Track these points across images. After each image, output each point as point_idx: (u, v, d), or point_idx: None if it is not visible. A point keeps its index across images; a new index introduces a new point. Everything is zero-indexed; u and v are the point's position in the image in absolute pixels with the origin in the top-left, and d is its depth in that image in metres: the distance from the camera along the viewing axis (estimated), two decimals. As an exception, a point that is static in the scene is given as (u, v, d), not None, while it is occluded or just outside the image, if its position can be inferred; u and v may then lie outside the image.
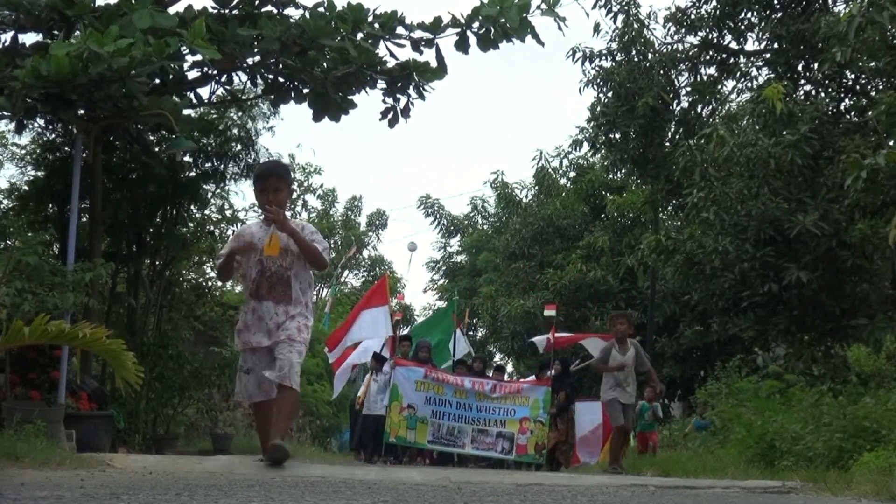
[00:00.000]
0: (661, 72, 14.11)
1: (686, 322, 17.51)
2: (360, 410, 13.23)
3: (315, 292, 32.55)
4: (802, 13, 12.82)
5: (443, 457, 12.31)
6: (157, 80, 8.12)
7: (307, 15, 7.72)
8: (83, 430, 7.96)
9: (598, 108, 14.45)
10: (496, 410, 11.66)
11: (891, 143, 10.12)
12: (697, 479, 6.59)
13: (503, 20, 7.65)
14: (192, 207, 11.42)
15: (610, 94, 14.25)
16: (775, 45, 13.09)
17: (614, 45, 14.31)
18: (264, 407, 5.27)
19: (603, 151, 16.22)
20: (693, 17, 14.08)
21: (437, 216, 31.85)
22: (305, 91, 8.33)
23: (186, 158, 10.97)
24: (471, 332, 26.43)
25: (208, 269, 13.64)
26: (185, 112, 8.49)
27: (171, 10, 7.89)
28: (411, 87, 8.20)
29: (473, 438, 11.61)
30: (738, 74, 14.25)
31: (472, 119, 67.70)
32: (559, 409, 12.73)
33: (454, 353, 14.58)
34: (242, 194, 29.70)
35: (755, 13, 13.63)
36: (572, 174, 24.49)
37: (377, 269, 37.15)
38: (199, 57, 7.37)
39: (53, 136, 10.53)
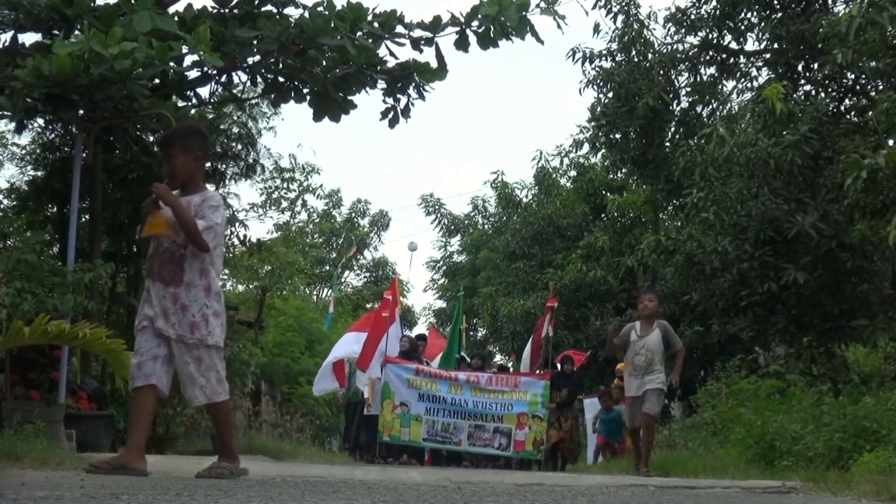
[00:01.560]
0: (661, 72, 14.11)
1: (686, 322, 17.49)
2: (360, 411, 13.16)
3: (316, 293, 32.62)
4: (802, 13, 12.82)
5: (447, 457, 12.15)
6: (157, 81, 8.13)
7: (306, 14, 7.72)
8: (83, 430, 7.96)
9: (599, 109, 14.45)
10: (493, 405, 11.35)
11: (891, 143, 10.12)
12: (697, 479, 6.60)
13: (502, 19, 7.65)
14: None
15: (610, 95, 14.25)
16: (775, 46, 13.09)
17: (614, 46, 14.32)
18: (139, 394, 4.65)
19: (603, 152, 16.22)
20: (693, 17, 14.07)
21: (438, 215, 31.89)
22: (305, 91, 8.33)
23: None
24: (471, 333, 26.44)
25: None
26: (186, 112, 8.49)
27: (171, 9, 7.89)
28: (412, 88, 8.18)
29: (470, 434, 11.30)
30: (738, 74, 14.26)
31: (473, 118, 67.76)
32: (561, 406, 12.67)
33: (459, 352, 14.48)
34: (238, 197, 29.61)
35: (755, 13, 13.62)
36: (573, 173, 24.48)
37: (380, 269, 37.17)
38: (199, 57, 7.36)
39: (53, 136, 10.53)
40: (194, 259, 4.67)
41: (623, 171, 16.60)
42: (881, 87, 11.47)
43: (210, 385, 4.65)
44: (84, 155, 8.87)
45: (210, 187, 11.47)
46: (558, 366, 13.83)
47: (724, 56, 14.24)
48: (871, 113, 10.56)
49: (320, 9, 7.67)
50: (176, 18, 7.50)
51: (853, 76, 12.26)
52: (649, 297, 8.86)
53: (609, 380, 15.49)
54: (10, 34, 7.70)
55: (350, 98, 8.17)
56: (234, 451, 4.83)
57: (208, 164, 11.42)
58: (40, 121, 9.78)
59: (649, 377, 8.39)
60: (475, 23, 7.81)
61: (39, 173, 10.78)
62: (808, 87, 13.13)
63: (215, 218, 4.69)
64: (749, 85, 14.20)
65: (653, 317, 8.65)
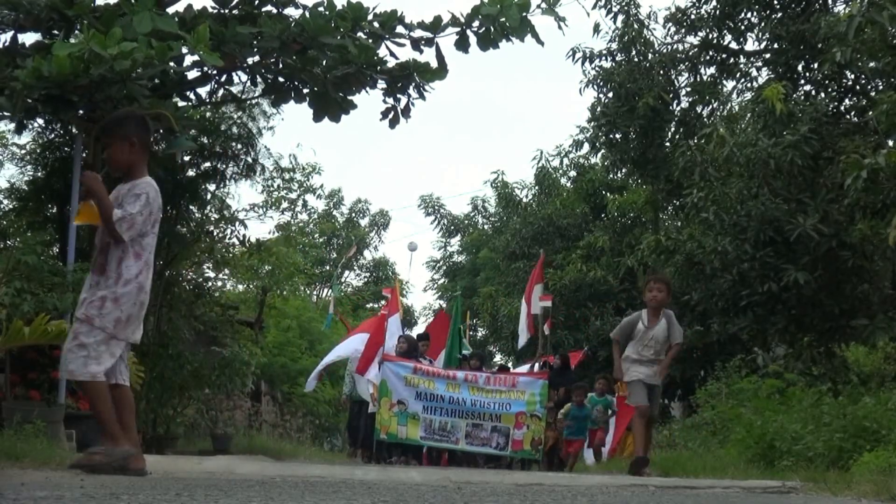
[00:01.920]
0: (661, 72, 14.12)
1: (686, 322, 17.47)
2: (365, 410, 13.03)
3: (316, 293, 32.62)
4: (802, 13, 12.83)
5: (443, 457, 12.09)
6: (157, 81, 8.12)
7: (307, 14, 7.72)
8: (83, 430, 7.95)
9: (599, 109, 14.46)
10: (491, 404, 11.23)
11: (891, 143, 10.13)
12: (697, 479, 6.59)
13: (503, 19, 7.65)
14: (191, 207, 11.42)
15: (610, 95, 14.26)
16: (775, 46, 13.10)
17: (614, 46, 14.32)
18: (114, 392, 4.74)
19: (603, 152, 16.23)
20: (693, 17, 14.08)
21: (438, 216, 31.87)
22: (305, 91, 8.33)
23: (186, 158, 10.98)
24: (471, 332, 26.42)
25: (208, 269, 13.65)
26: (186, 113, 8.48)
27: (171, 9, 7.89)
28: (412, 88, 8.18)
29: (468, 433, 11.16)
30: (738, 74, 14.27)
31: (473, 118, 67.77)
32: (559, 406, 12.62)
33: (461, 351, 14.38)
34: (238, 196, 29.59)
35: (755, 13, 13.64)
36: (573, 174, 24.49)
37: (380, 270, 37.20)
38: (199, 57, 7.36)
39: (53, 136, 10.53)
40: (116, 248, 4.66)
41: (623, 171, 16.60)
42: (881, 87, 11.47)
43: (76, 363, 4.56)
44: (84, 155, 8.87)
45: (210, 187, 11.55)
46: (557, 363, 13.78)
47: (724, 56, 14.25)
48: (871, 113, 10.57)
49: (321, 9, 7.67)
50: (176, 19, 7.50)
51: (853, 76, 12.27)
52: (658, 287, 8.01)
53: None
54: (10, 34, 7.71)
55: (350, 98, 8.17)
56: (113, 433, 4.62)
57: (207, 164, 11.44)
58: (40, 121, 9.79)
59: (655, 370, 7.90)
60: (475, 23, 7.81)
61: (39, 173, 10.78)
62: (807, 87, 13.14)
63: (132, 208, 4.64)
64: (749, 85, 14.22)
65: (661, 308, 7.96)
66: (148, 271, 4.77)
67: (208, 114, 11.12)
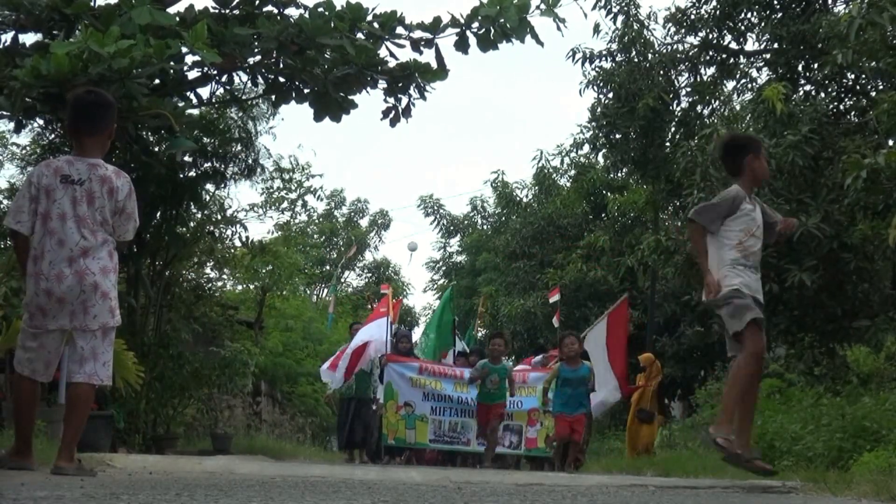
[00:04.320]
0: (662, 72, 14.12)
1: (686, 322, 17.50)
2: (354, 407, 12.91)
3: (316, 293, 32.65)
4: (802, 13, 12.83)
5: (449, 456, 11.87)
6: (157, 80, 8.12)
7: (305, 15, 7.73)
8: (83, 430, 7.94)
9: (599, 109, 14.46)
10: None
11: (891, 143, 10.12)
12: (697, 479, 6.60)
13: (502, 20, 7.66)
14: (192, 207, 11.42)
15: (610, 95, 14.26)
16: (775, 46, 13.11)
17: (614, 46, 14.33)
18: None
19: (604, 152, 16.25)
20: (693, 17, 14.08)
21: (437, 216, 31.87)
22: (306, 91, 8.33)
23: (186, 158, 10.97)
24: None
25: (208, 270, 13.65)
26: (185, 112, 8.48)
27: (172, 9, 7.89)
28: (412, 88, 8.19)
29: (478, 433, 10.69)
30: (738, 75, 14.26)
31: (473, 119, 67.75)
32: None
33: (455, 344, 13.92)
34: (237, 197, 29.56)
35: (755, 13, 13.64)
36: (572, 173, 24.51)
37: (380, 270, 37.22)
38: (199, 57, 7.37)
39: (53, 136, 10.53)
40: None
41: (624, 171, 16.61)
42: (881, 87, 11.47)
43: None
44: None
45: (210, 187, 11.50)
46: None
47: (724, 56, 14.24)
48: (871, 113, 10.57)
49: (320, 9, 7.68)
50: (177, 19, 7.52)
51: (853, 76, 12.26)
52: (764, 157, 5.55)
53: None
54: (10, 34, 7.71)
55: (350, 98, 8.17)
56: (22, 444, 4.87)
57: (208, 164, 11.44)
58: (40, 121, 9.79)
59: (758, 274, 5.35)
60: (475, 24, 7.82)
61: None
62: (808, 88, 13.13)
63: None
64: (749, 85, 14.22)
65: (757, 184, 5.70)
66: (42, 259, 4.76)
67: (214, 116, 11.11)
